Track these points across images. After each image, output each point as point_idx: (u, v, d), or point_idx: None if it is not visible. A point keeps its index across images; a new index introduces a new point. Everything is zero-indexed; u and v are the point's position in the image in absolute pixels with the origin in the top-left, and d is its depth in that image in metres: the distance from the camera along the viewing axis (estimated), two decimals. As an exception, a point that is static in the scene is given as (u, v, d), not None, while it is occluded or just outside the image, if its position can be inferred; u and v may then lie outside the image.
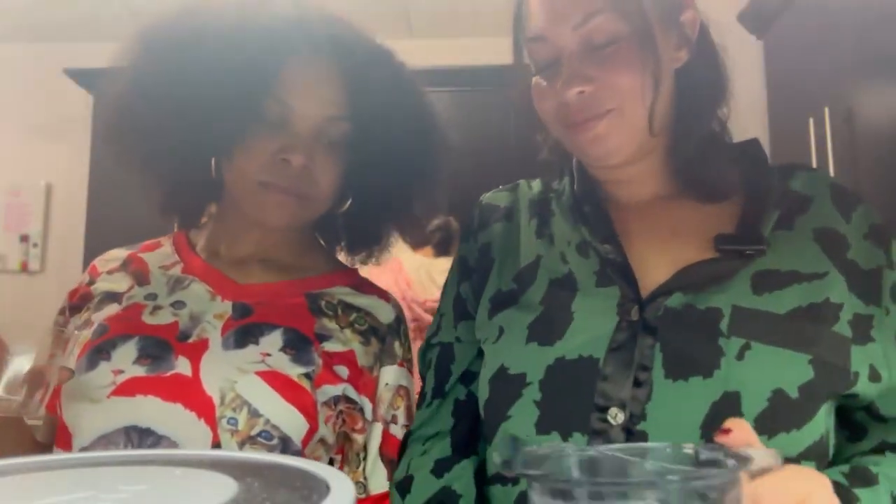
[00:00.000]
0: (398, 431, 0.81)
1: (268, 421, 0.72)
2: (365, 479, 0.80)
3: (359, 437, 0.79)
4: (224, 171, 0.81)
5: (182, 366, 0.74)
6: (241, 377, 0.73)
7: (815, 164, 1.79)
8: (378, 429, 0.80)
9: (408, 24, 2.92)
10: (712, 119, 0.72)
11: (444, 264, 2.10)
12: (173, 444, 0.70)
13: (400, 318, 0.89)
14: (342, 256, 0.95)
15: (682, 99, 0.69)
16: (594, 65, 0.64)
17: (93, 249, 2.80)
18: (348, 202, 0.87)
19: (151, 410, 0.71)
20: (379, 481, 0.80)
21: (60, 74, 2.73)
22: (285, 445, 0.72)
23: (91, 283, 0.85)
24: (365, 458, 0.80)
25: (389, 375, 0.82)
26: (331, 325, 0.82)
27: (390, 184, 0.85)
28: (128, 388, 0.72)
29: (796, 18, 2.03)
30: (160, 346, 0.75)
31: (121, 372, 0.73)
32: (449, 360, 0.75)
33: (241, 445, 0.71)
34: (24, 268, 3.10)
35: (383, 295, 0.90)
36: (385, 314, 0.87)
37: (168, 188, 0.86)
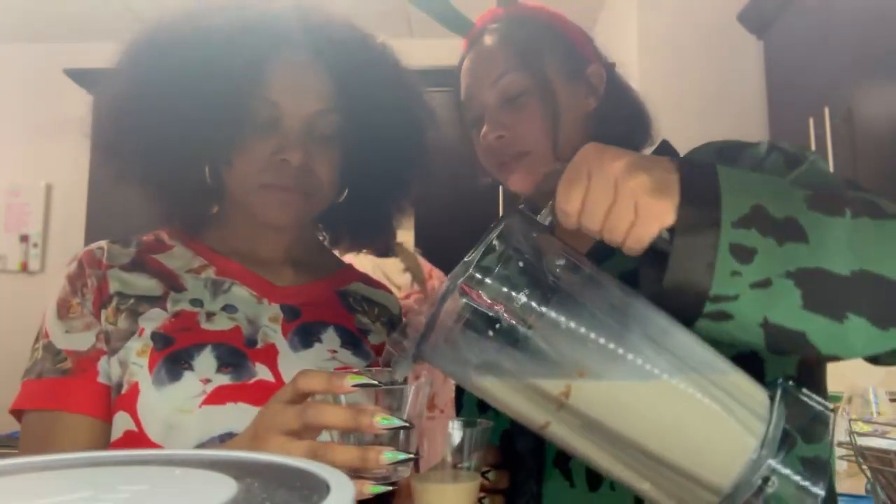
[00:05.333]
0: None
1: None
2: None
3: None
4: (224, 176, 0.81)
5: (262, 372, 0.75)
6: None
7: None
8: None
9: (408, 24, 2.92)
10: (630, 145, 0.86)
11: (396, 264, 2.03)
12: None
13: (401, 309, 0.94)
14: (345, 249, 0.98)
15: (597, 134, 0.79)
16: (509, 114, 0.79)
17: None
18: (345, 193, 0.87)
19: (244, 417, 0.70)
20: None
21: (60, 74, 2.72)
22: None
23: (101, 276, 0.78)
24: None
25: None
26: (364, 319, 0.87)
27: (385, 170, 0.86)
28: (218, 397, 0.72)
29: (796, 18, 2.03)
30: (234, 353, 0.75)
31: (208, 381, 0.73)
32: None
33: None
34: (24, 268, 3.09)
35: (386, 287, 0.94)
36: (395, 306, 0.93)
37: (168, 199, 0.85)
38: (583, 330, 0.49)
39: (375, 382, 0.53)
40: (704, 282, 0.50)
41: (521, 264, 0.49)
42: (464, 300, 0.48)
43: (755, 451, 0.47)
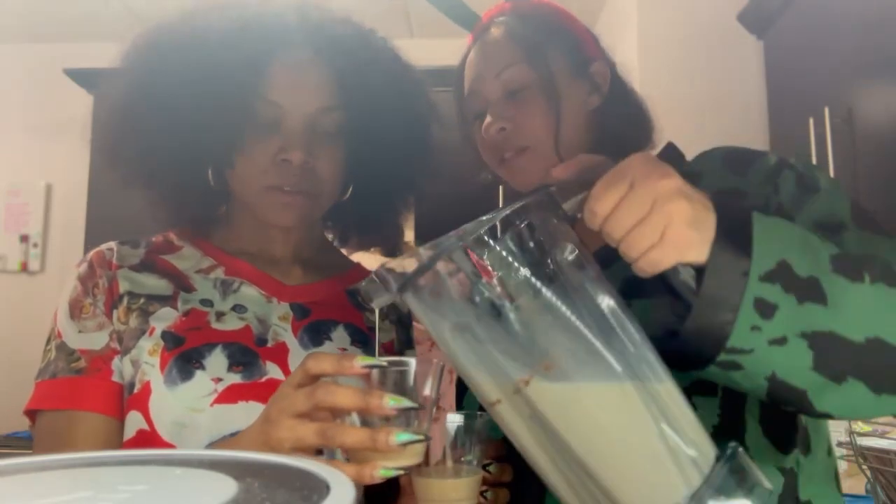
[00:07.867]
0: None
1: None
2: None
3: None
4: (228, 178, 0.81)
5: (273, 371, 0.75)
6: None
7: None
8: None
9: (408, 24, 2.92)
10: (631, 145, 0.83)
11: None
12: None
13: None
14: (353, 248, 0.99)
15: (599, 132, 0.82)
16: (512, 107, 0.79)
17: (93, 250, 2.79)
18: (349, 191, 0.87)
19: (255, 416, 0.69)
20: None
21: (60, 74, 2.72)
22: None
23: (111, 277, 0.79)
24: None
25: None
26: (373, 317, 0.87)
27: (389, 166, 0.86)
28: (229, 396, 0.72)
29: (796, 18, 2.03)
30: (245, 352, 0.76)
31: (220, 380, 0.73)
32: None
33: None
34: (24, 268, 3.09)
35: None
36: (403, 303, 0.93)
37: (173, 202, 0.85)
38: (566, 327, 0.48)
39: (384, 364, 0.53)
40: (724, 333, 0.50)
41: (531, 244, 0.49)
42: (464, 257, 0.47)
43: (684, 500, 0.47)
